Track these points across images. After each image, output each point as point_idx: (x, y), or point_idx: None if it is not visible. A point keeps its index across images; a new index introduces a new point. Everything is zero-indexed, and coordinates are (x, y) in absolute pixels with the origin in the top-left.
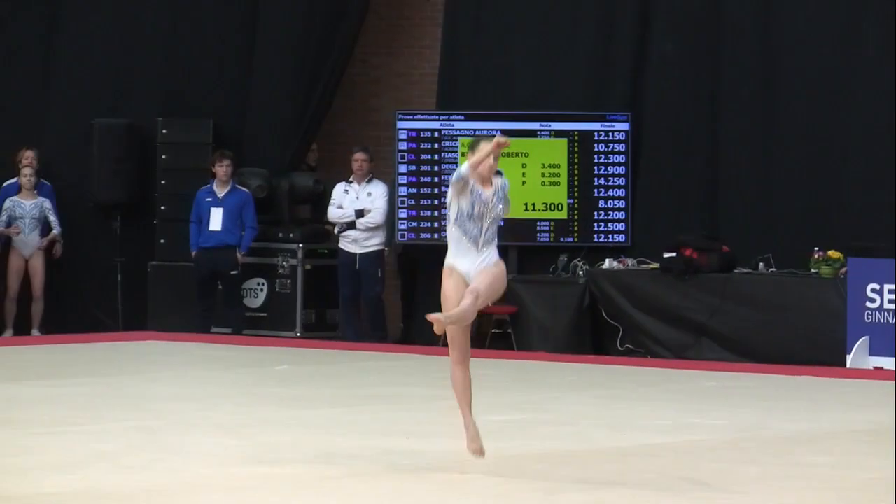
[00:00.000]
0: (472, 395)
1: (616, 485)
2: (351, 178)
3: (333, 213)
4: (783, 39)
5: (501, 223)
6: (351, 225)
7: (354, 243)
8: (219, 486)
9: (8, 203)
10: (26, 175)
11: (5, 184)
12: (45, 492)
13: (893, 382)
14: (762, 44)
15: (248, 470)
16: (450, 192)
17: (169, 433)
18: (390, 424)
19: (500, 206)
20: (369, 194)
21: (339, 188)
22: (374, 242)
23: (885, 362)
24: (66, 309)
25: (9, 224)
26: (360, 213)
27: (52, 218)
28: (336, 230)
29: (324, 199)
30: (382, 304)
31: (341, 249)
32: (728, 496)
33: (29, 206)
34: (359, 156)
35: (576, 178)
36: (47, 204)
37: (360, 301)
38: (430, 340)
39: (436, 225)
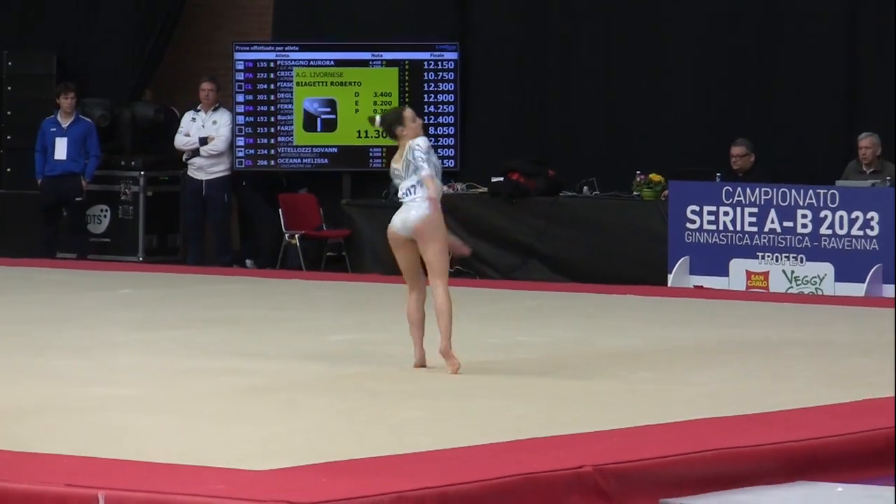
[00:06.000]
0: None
1: (452, 398)
2: (199, 107)
3: (179, 140)
4: None
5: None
6: (196, 152)
7: (200, 170)
8: (65, 407)
9: None
10: None
11: None
12: None
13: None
14: None
15: (94, 391)
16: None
17: (16, 355)
18: (233, 346)
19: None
20: (214, 122)
21: (188, 116)
22: (219, 169)
23: (705, 281)
24: None
25: None
26: (203, 141)
27: None
28: (183, 157)
29: (165, 128)
30: (229, 228)
31: (188, 176)
32: (551, 409)
33: None
34: (206, 85)
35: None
36: None
37: (205, 226)
38: (267, 264)
39: (272, 153)
